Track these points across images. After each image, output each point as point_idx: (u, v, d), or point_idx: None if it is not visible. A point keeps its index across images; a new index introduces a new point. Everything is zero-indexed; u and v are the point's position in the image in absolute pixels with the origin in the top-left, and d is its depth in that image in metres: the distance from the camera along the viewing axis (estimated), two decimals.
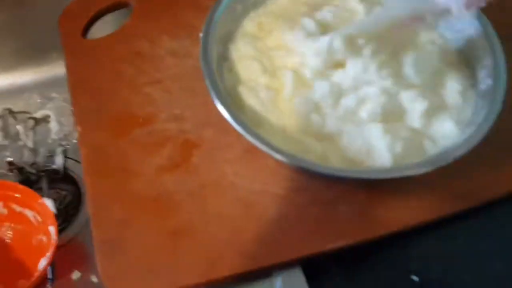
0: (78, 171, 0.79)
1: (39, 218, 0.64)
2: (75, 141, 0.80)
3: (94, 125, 0.51)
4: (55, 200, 0.77)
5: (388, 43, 0.47)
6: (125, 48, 0.57)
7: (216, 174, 0.49)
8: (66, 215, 0.77)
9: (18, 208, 0.63)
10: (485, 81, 0.45)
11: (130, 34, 0.58)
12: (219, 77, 0.47)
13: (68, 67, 0.55)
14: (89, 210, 0.47)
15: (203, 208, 0.47)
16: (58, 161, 0.78)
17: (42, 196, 0.74)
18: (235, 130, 0.44)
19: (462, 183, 0.47)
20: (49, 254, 0.56)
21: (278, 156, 0.42)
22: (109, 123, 0.52)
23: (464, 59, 0.50)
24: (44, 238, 0.63)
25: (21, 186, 0.65)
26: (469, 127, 0.44)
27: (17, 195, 0.64)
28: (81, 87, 0.54)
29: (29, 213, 0.64)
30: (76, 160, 0.80)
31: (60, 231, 0.68)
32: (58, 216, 0.64)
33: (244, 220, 0.46)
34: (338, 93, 0.47)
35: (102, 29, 0.60)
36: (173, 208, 0.47)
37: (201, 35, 0.46)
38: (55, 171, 0.77)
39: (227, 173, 0.49)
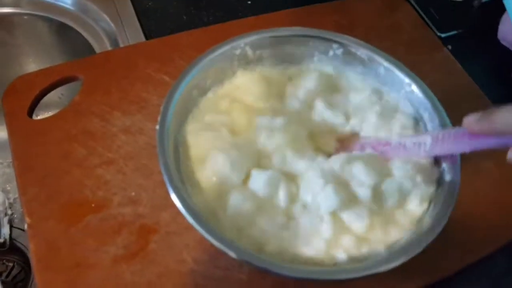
0: (25, 240, 0.75)
1: None
2: (21, 209, 0.77)
3: (44, 215, 0.49)
4: (1, 274, 0.74)
5: None
6: (74, 126, 0.54)
7: (175, 261, 0.47)
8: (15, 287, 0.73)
9: None
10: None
11: (79, 111, 0.56)
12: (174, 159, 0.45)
13: (13, 152, 0.52)
14: None
15: None
16: (4, 232, 0.74)
17: None
18: None
19: (424, 261, 0.47)
20: None
21: (232, 254, 0.41)
22: (60, 211, 0.49)
23: None
24: None
25: None
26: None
27: None
28: (28, 175, 0.51)
29: None
30: (22, 230, 0.76)
31: None
32: None
33: None
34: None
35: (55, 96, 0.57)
36: None
37: (157, 127, 0.44)
38: (1, 243, 0.74)
39: (187, 259, 0.48)
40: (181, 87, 0.47)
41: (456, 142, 0.43)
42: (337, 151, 0.48)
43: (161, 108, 0.45)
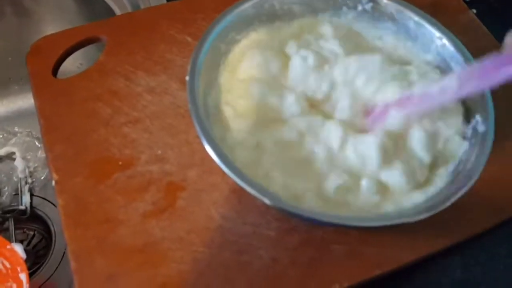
0: (46, 209, 0.76)
1: (7, 265, 0.60)
2: (42, 177, 0.77)
3: (71, 172, 0.49)
4: (22, 241, 0.74)
5: None
6: (99, 86, 0.54)
7: (203, 217, 0.47)
8: (36, 256, 0.74)
9: None
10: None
11: (104, 71, 0.55)
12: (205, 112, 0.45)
13: (39, 110, 0.52)
14: (71, 266, 0.44)
15: (192, 256, 0.45)
16: (25, 200, 0.74)
17: (10, 239, 0.71)
18: (219, 170, 0.43)
19: (454, 218, 0.47)
20: None
21: (266, 200, 0.41)
22: (87, 168, 0.49)
23: None
24: (15, 286, 0.60)
25: None
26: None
27: None
28: (54, 132, 0.51)
29: None
30: (43, 198, 0.77)
31: (30, 274, 0.65)
32: (27, 258, 0.61)
33: (236, 267, 0.45)
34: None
35: (73, 66, 0.57)
36: (161, 258, 0.45)
37: (187, 78, 0.44)
38: (22, 211, 0.74)
39: (215, 216, 0.47)
40: (209, 40, 0.47)
41: (487, 74, 0.40)
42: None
43: (191, 59, 0.45)
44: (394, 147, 0.44)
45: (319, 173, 0.44)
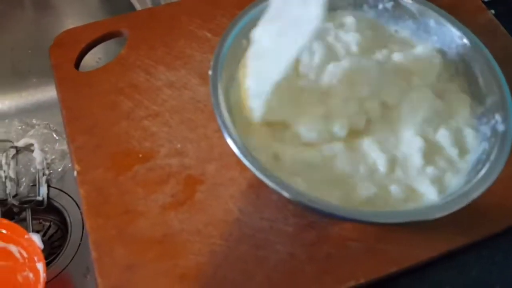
0: (62, 200, 0.77)
1: (24, 254, 0.61)
2: (59, 169, 0.78)
3: (93, 163, 0.49)
4: (38, 232, 0.75)
5: None
6: (121, 80, 0.55)
7: (221, 211, 0.48)
8: (51, 247, 0.75)
9: (1, 244, 0.60)
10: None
11: (125, 65, 0.56)
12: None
13: (62, 102, 0.53)
14: (92, 255, 0.44)
15: (210, 249, 0.46)
16: (42, 191, 0.75)
17: (27, 229, 0.72)
18: (238, 165, 0.43)
19: (471, 217, 0.47)
20: None
21: (286, 194, 0.41)
22: (108, 160, 0.50)
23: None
24: (31, 275, 0.61)
25: (5, 221, 0.62)
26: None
27: (3, 231, 0.61)
28: (77, 124, 0.52)
29: (13, 249, 0.62)
30: (60, 190, 0.77)
31: (46, 264, 0.66)
32: (43, 248, 0.61)
33: (253, 261, 0.45)
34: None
35: (93, 61, 0.58)
36: (180, 249, 0.45)
37: (210, 72, 0.44)
38: (39, 202, 0.75)
39: (233, 210, 0.48)
40: (231, 36, 0.47)
41: None
42: None
43: (214, 54, 0.46)
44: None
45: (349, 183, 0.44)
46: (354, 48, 0.50)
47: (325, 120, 0.45)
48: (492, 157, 0.43)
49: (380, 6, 0.52)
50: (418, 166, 0.44)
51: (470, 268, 0.48)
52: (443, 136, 0.45)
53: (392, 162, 0.45)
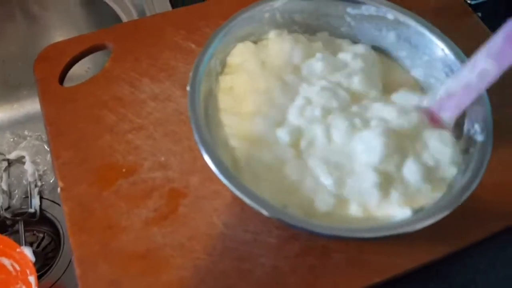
0: (55, 211, 0.77)
1: (17, 267, 0.62)
2: (51, 180, 0.78)
3: (77, 179, 0.49)
4: (32, 244, 0.75)
5: None
6: (105, 93, 0.55)
7: (205, 224, 0.48)
8: (45, 258, 0.75)
9: None
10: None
11: (110, 78, 0.56)
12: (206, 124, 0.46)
13: (46, 117, 0.53)
14: (76, 272, 0.45)
15: (193, 263, 0.46)
16: (34, 203, 0.76)
17: (20, 242, 0.72)
18: None
19: (455, 225, 0.47)
20: None
21: (265, 212, 0.41)
22: (92, 175, 0.50)
23: None
24: None
25: None
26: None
27: None
28: (61, 139, 0.52)
29: (6, 262, 0.62)
30: (52, 201, 0.78)
31: (39, 276, 0.66)
32: (36, 260, 0.62)
33: (237, 275, 0.45)
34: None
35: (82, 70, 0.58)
36: (162, 264, 0.45)
37: (188, 88, 0.45)
38: (31, 214, 0.75)
39: (216, 223, 0.48)
40: (209, 51, 0.47)
41: None
42: None
43: (191, 73, 0.46)
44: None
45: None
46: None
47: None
48: (472, 166, 0.42)
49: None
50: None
51: (454, 277, 0.48)
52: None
53: None
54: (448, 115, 0.46)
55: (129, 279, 0.45)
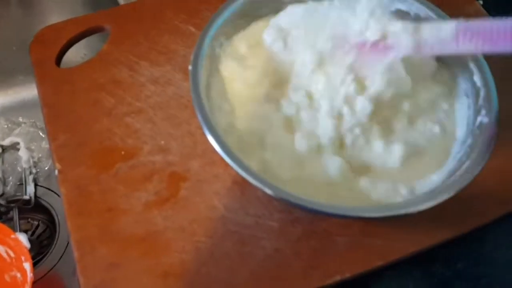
0: (50, 199, 0.76)
1: (11, 254, 0.61)
2: (46, 167, 0.77)
3: (74, 162, 0.49)
4: (26, 231, 0.74)
5: None
6: (103, 76, 0.54)
7: (206, 208, 0.47)
8: (40, 246, 0.74)
9: None
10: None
11: (107, 61, 0.55)
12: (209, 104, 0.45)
13: (42, 100, 0.52)
14: (74, 255, 0.44)
15: (194, 246, 0.45)
16: (29, 190, 0.74)
17: (14, 229, 0.71)
18: (222, 161, 0.42)
19: (457, 209, 0.47)
20: None
21: (268, 191, 0.40)
22: (90, 158, 0.49)
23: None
24: (19, 275, 0.60)
25: None
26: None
27: None
28: (58, 122, 0.51)
29: (0, 249, 0.61)
30: (47, 188, 0.77)
31: (34, 264, 0.65)
32: (31, 247, 0.61)
33: (238, 258, 0.45)
34: None
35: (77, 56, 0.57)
36: (163, 247, 0.45)
37: (190, 68, 0.44)
38: (26, 201, 0.74)
39: (218, 206, 0.47)
40: (212, 29, 0.47)
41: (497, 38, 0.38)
42: None
43: (194, 48, 0.45)
44: None
45: None
46: None
47: None
48: (477, 149, 0.42)
49: None
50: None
51: (456, 261, 0.48)
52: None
53: None
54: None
55: (128, 261, 0.44)
